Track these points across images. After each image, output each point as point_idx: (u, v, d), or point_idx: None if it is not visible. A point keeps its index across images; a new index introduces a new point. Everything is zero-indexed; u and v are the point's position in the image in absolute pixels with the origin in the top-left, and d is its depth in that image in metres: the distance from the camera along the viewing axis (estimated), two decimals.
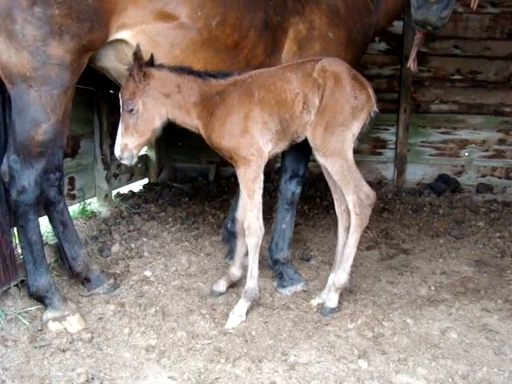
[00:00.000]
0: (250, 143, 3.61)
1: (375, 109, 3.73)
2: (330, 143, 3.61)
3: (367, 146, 8.07)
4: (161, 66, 3.61)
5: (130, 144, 3.61)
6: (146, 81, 3.54)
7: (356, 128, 3.68)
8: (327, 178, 3.94)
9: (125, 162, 3.65)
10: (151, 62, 3.58)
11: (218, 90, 3.67)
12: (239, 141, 3.60)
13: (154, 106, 3.60)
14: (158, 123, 3.65)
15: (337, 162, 3.65)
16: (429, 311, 3.93)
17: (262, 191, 3.69)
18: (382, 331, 3.59)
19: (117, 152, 3.63)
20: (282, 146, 3.80)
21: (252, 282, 3.77)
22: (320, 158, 3.70)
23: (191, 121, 3.73)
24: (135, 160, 3.69)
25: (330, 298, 3.89)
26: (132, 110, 3.55)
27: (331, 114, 3.58)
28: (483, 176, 8.10)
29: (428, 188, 7.93)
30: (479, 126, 8.03)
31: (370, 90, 3.71)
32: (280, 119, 3.63)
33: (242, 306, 3.74)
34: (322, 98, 3.60)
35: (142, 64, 3.49)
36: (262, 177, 3.69)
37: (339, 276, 3.85)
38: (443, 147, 8.11)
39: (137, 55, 3.46)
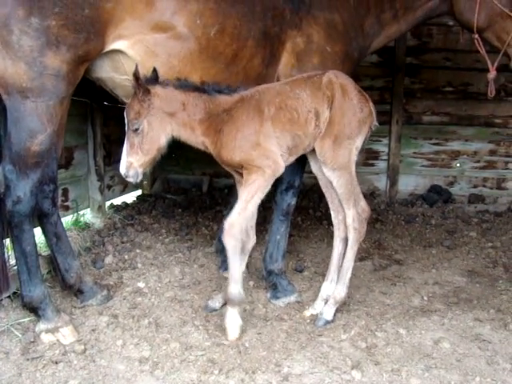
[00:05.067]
0: (265, 155, 3.55)
1: (375, 122, 3.78)
2: (338, 156, 3.64)
3: (360, 158, 8.11)
4: (166, 84, 3.56)
5: (135, 163, 3.59)
6: (151, 100, 3.50)
7: (360, 141, 3.73)
8: (324, 189, 3.95)
9: (130, 179, 3.65)
10: (155, 78, 3.53)
11: (224, 107, 3.62)
12: (251, 153, 3.54)
13: (159, 125, 3.56)
14: (163, 141, 3.61)
15: (343, 175, 3.67)
16: (422, 321, 3.94)
17: (259, 202, 3.63)
18: (375, 342, 3.60)
19: (122, 170, 3.62)
20: (291, 159, 3.79)
21: (234, 287, 3.62)
22: (327, 171, 3.71)
23: (196, 138, 3.68)
24: (141, 177, 3.69)
25: (327, 311, 3.89)
26: (137, 130, 3.53)
27: (339, 127, 3.61)
28: (475, 186, 8.17)
29: (420, 199, 7.98)
30: (471, 137, 8.11)
31: (371, 104, 3.76)
32: (293, 136, 3.62)
33: (232, 313, 3.62)
34: (330, 109, 3.62)
35: (143, 84, 3.45)
36: (267, 190, 3.62)
37: (339, 290, 3.87)
38: (435, 158, 8.18)
39: (136, 76, 3.41)
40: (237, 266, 3.67)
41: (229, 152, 3.58)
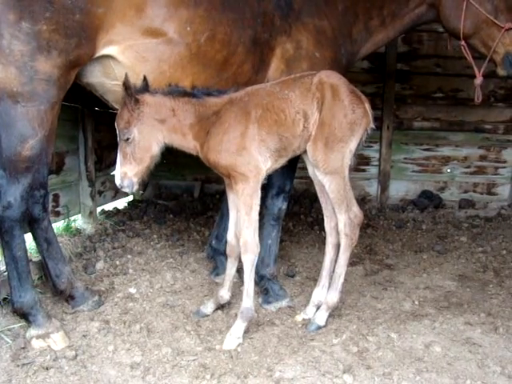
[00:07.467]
0: (248, 160, 3.53)
1: (372, 125, 3.72)
2: (330, 159, 3.59)
3: (352, 163, 8.14)
4: (155, 91, 3.53)
5: (129, 172, 3.54)
6: (140, 108, 3.47)
7: (353, 144, 3.67)
8: (319, 195, 3.94)
9: (126, 190, 3.60)
10: (145, 86, 3.52)
11: (214, 109, 3.60)
12: (236, 158, 3.52)
13: (150, 132, 3.52)
14: (155, 149, 3.57)
15: (335, 180, 3.64)
16: (413, 325, 3.95)
17: (259, 208, 3.63)
18: (366, 346, 3.61)
19: (117, 181, 3.58)
20: (282, 161, 3.76)
21: (248, 302, 3.66)
22: (319, 174, 3.68)
23: (188, 143, 3.65)
24: (136, 187, 3.62)
25: (320, 316, 3.88)
26: (128, 139, 3.48)
27: (330, 129, 3.56)
28: (465, 192, 8.23)
29: (411, 204, 8.03)
30: (461, 143, 8.17)
31: (367, 106, 3.69)
32: (280, 137, 3.58)
33: (239, 326, 3.63)
34: (320, 111, 3.57)
35: (133, 93, 3.43)
36: (259, 193, 3.61)
37: (331, 295, 3.86)
38: (426, 164, 8.23)
39: (126, 85, 3.39)
40: (252, 280, 3.68)
41: (216, 155, 3.56)
